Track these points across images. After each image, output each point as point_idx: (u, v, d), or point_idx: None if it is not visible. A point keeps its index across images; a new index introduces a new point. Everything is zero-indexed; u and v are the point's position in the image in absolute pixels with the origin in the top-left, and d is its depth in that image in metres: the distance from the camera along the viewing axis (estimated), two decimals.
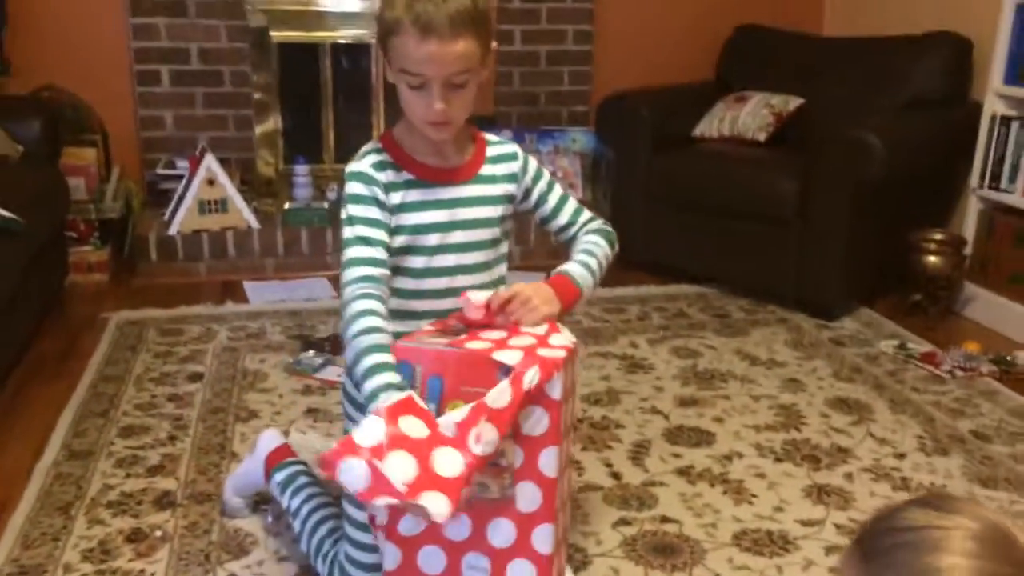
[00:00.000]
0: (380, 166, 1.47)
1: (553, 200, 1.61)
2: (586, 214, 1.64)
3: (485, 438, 1.22)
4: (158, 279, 3.33)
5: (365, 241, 1.42)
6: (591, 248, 1.57)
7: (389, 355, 1.31)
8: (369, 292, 1.37)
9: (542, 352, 1.32)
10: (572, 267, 1.53)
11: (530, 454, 1.34)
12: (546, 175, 1.62)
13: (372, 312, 1.35)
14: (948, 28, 3.34)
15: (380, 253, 1.42)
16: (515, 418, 1.28)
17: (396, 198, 1.46)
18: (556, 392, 1.31)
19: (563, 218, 1.62)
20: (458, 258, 1.50)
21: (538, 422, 1.33)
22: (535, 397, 1.31)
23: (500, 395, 1.25)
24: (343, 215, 1.46)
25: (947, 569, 0.72)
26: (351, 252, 1.42)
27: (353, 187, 1.45)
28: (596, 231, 1.61)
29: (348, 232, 1.43)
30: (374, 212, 1.44)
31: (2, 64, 3.39)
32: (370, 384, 1.28)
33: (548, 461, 1.34)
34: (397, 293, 1.49)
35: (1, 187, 2.55)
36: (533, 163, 1.60)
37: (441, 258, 1.49)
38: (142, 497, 1.96)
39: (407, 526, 1.39)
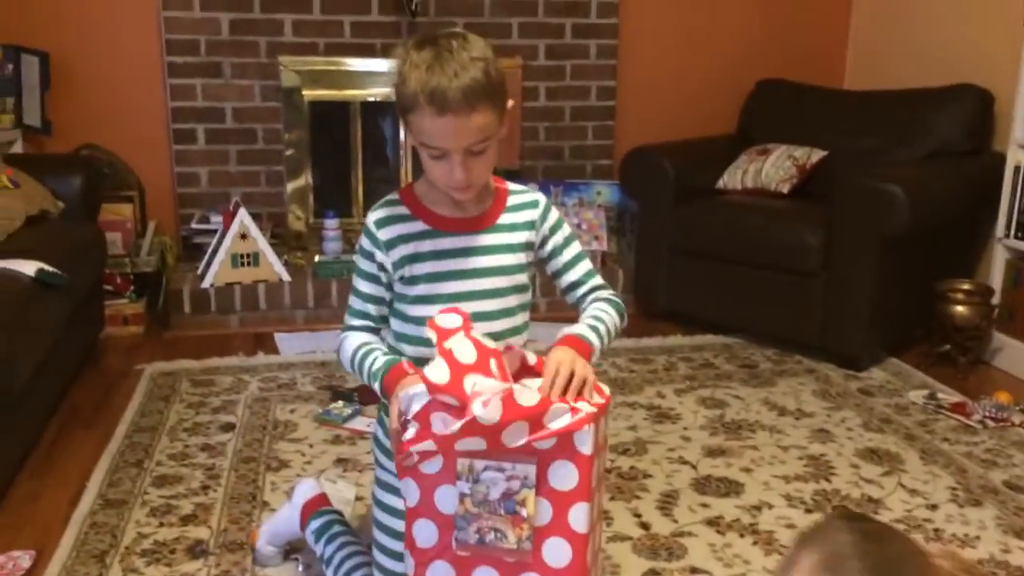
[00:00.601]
0: (386, 221, 1.51)
1: (567, 255, 1.59)
2: (598, 279, 1.61)
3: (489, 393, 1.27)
4: (191, 331, 3.39)
5: (358, 294, 1.56)
6: (600, 315, 1.53)
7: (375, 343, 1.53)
8: (354, 328, 1.56)
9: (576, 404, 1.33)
10: (580, 328, 1.48)
11: (559, 510, 1.34)
12: (566, 229, 1.60)
13: (355, 338, 1.54)
14: (968, 82, 3.38)
15: (369, 307, 1.55)
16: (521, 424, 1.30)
17: (407, 249, 1.50)
18: (586, 447, 1.31)
19: (574, 275, 1.59)
20: (478, 305, 1.50)
21: (568, 477, 1.32)
22: (565, 451, 1.31)
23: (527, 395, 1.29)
24: None
25: None
26: (350, 301, 1.58)
27: (361, 239, 1.56)
28: (607, 300, 1.57)
29: (353, 279, 1.58)
30: (370, 267, 1.54)
31: (44, 124, 3.52)
32: (372, 364, 1.46)
33: (578, 517, 1.33)
34: (422, 343, 1.49)
35: (44, 242, 2.63)
36: (555, 214, 1.59)
37: (462, 306, 1.50)
38: (175, 546, 1.98)
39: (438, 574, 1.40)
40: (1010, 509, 2.17)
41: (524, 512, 1.33)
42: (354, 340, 1.52)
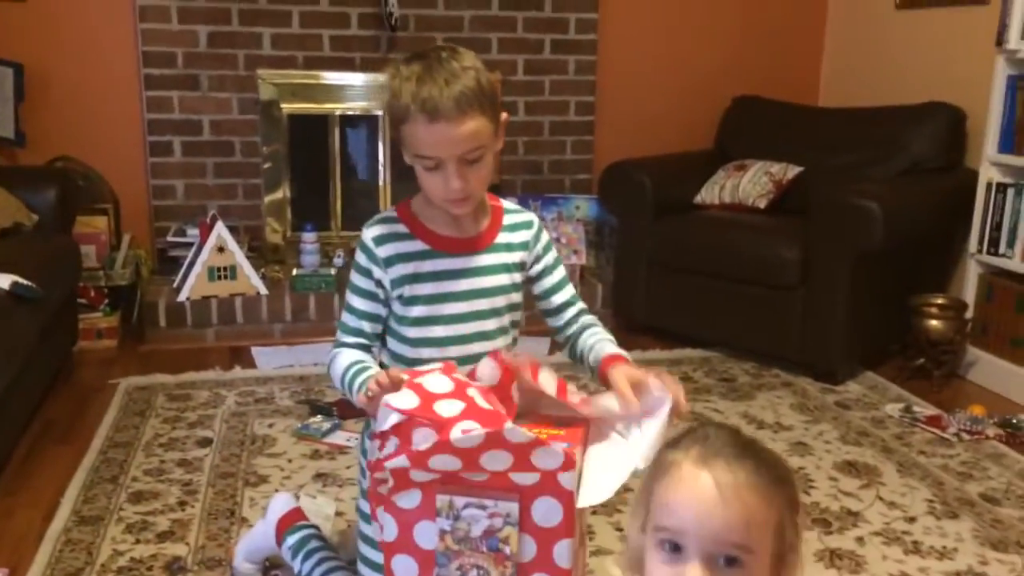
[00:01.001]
0: (384, 239, 1.50)
1: (557, 276, 1.61)
2: (581, 302, 1.64)
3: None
4: (167, 345, 3.35)
5: (352, 311, 1.54)
6: (610, 338, 1.56)
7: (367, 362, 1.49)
8: (347, 345, 1.53)
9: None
10: (620, 350, 1.52)
11: (544, 546, 1.31)
12: (554, 251, 1.63)
13: (347, 355, 1.50)
14: (940, 99, 3.43)
15: (363, 324, 1.53)
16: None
17: (407, 268, 1.49)
18: (570, 484, 1.28)
19: (563, 296, 1.61)
20: (478, 326, 1.51)
21: (552, 514, 1.29)
22: (548, 487, 1.28)
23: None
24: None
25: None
26: (342, 318, 1.56)
27: (357, 255, 1.54)
28: (596, 325, 1.60)
29: (347, 296, 1.55)
30: (367, 284, 1.52)
31: (18, 136, 3.47)
32: (363, 383, 1.40)
33: (562, 553, 1.31)
34: (419, 364, 1.45)
35: (17, 255, 2.59)
36: (546, 235, 1.62)
37: (462, 326, 1.51)
38: (152, 563, 1.95)
39: None
40: (986, 521, 2.20)
41: (508, 550, 1.30)
42: (346, 358, 1.50)
